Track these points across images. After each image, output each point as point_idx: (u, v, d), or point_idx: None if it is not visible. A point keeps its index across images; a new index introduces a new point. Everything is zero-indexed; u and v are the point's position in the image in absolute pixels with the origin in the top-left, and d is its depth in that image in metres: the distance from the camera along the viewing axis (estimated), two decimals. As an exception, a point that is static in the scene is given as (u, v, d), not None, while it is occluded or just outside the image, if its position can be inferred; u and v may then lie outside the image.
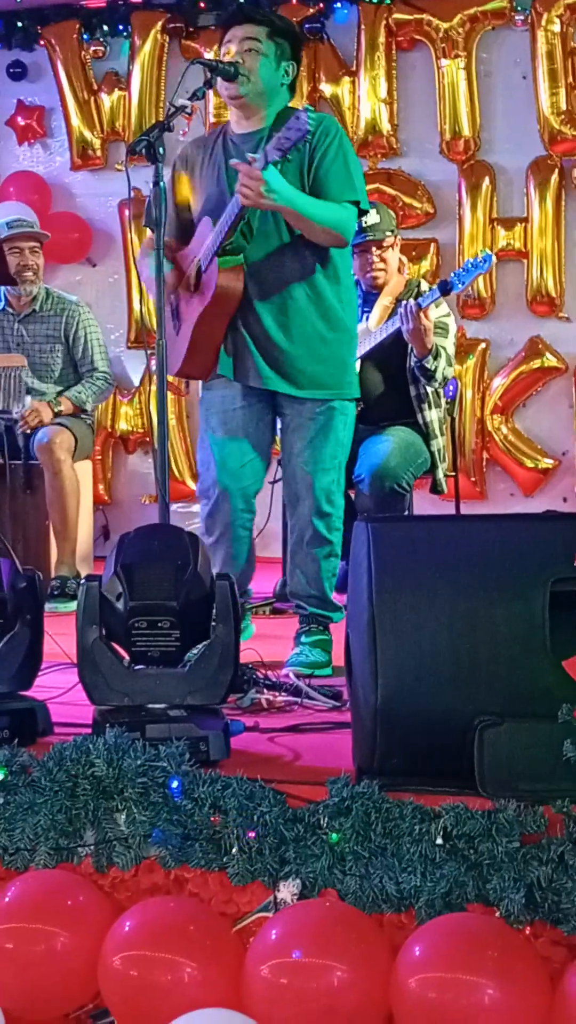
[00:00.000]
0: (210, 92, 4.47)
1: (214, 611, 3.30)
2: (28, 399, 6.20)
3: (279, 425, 4.58)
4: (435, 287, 5.59)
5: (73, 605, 5.78)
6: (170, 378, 4.65)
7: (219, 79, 4.32)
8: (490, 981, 2.48)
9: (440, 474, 5.71)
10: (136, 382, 7.93)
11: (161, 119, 4.45)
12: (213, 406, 4.54)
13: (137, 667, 3.31)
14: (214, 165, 4.47)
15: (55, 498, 6.09)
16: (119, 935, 2.73)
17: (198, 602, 3.27)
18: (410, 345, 5.53)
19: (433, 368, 5.52)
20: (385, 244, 5.75)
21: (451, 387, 5.91)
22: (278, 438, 4.64)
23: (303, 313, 4.39)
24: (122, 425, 7.98)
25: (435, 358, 5.51)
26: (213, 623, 3.30)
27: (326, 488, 4.45)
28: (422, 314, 5.42)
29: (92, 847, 2.90)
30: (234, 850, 2.79)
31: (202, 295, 4.38)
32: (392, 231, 5.77)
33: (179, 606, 3.22)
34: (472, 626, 2.88)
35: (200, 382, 4.66)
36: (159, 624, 3.23)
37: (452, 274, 5.68)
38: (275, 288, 4.37)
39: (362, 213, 4.43)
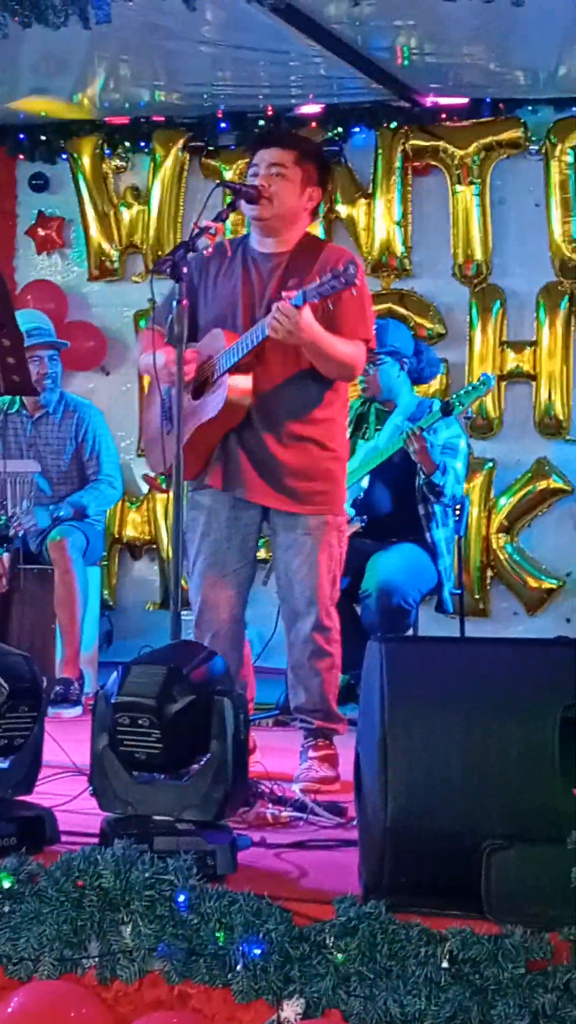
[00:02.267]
0: (231, 213, 4.53)
1: (213, 727, 3.30)
2: (23, 504, 6.22)
3: (271, 538, 4.60)
4: (437, 408, 5.68)
5: (77, 710, 5.87)
6: (152, 474, 4.69)
7: (243, 201, 4.42)
8: None
9: (446, 593, 5.74)
10: (145, 489, 7.98)
11: (180, 235, 4.53)
12: (199, 515, 4.58)
13: (135, 774, 3.32)
14: (232, 277, 4.54)
15: (65, 596, 6.10)
16: (121, 1050, 2.72)
17: (186, 708, 3.26)
18: (418, 464, 5.59)
19: (441, 484, 5.58)
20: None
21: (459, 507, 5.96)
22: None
23: (300, 439, 4.46)
24: (129, 531, 8.02)
25: (443, 475, 5.57)
26: (212, 739, 3.30)
27: (325, 604, 4.47)
28: (423, 433, 5.52)
29: (96, 959, 2.89)
30: (239, 967, 2.78)
31: (205, 405, 4.44)
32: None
33: (157, 704, 3.23)
34: (483, 748, 2.89)
35: (190, 487, 4.68)
36: (139, 722, 3.24)
37: (453, 395, 5.77)
38: (277, 413, 4.44)
39: (370, 351, 4.56)
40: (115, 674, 3.35)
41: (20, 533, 6.17)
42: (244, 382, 4.39)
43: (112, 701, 3.28)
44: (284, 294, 4.22)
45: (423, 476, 5.62)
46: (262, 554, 4.80)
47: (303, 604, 4.46)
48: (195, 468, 4.51)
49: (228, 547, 4.53)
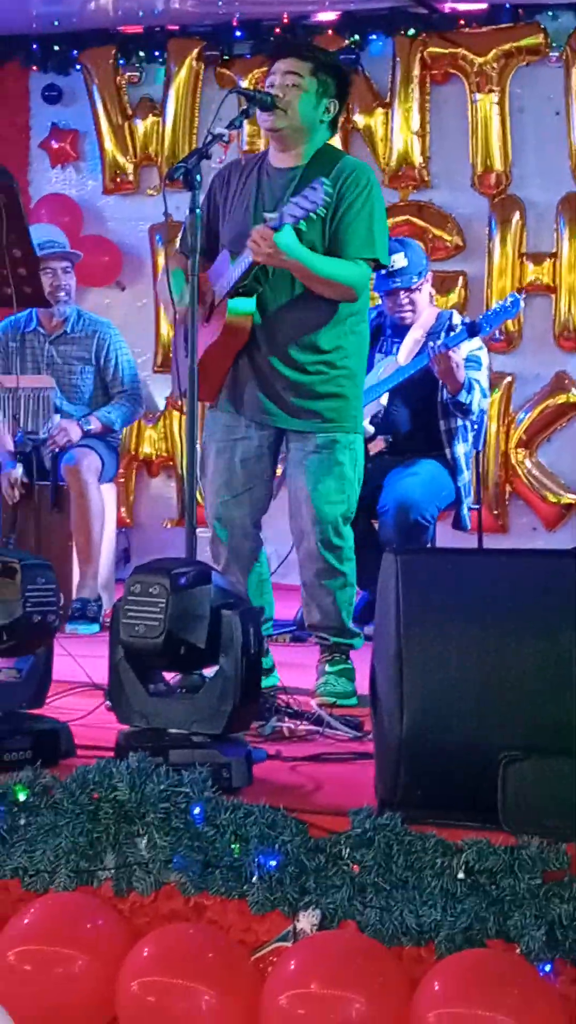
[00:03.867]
0: (245, 121, 4.46)
1: (221, 640, 3.29)
2: (56, 418, 6.22)
3: (286, 456, 4.57)
4: (463, 328, 5.61)
5: (94, 627, 5.88)
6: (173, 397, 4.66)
7: (258, 110, 4.34)
8: (509, 1018, 2.46)
9: (464, 510, 5.71)
10: (161, 406, 7.95)
11: (196, 146, 4.47)
12: (214, 434, 4.55)
13: (150, 687, 3.33)
14: (245, 194, 4.48)
15: (80, 520, 6.10)
16: (137, 960, 2.73)
17: (196, 594, 3.27)
18: (440, 380, 5.54)
19: (468, 402, 5.53)
20: (413, 287, 5.74)
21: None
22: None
23: (310, 358, 4.40)
24: (146, 448, 8.00)
25: (468, 392, 5.52)
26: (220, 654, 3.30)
27: (332, 521, 4.42)
28: (450, 353, 5.44)
29: (112, 871, 2.90)
30: (254, 878, 2.78)
31: (211, 328, 4.41)
32: (421, 273, 5.76)
33: (171, 576, 3.24)
34: (499, 660, 2.87)
35: (206, 405, 4.66)
36: (150, 590, 3.23)
37: (481, 316, 5.71)
38: (284, 333, 4.39)
39: (381, 266, 4.47)
40: None
41: (56, 451, 6.15)
42: (243, 305, 4.34)
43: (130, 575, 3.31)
44: (266, 216, 4.15)
45: (448, 394, 5.56)
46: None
47: (310, 522, 4.43)
48: (210, 390, 4.48)
49: (242, 468, 4.49)
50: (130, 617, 3.26)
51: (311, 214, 4.08)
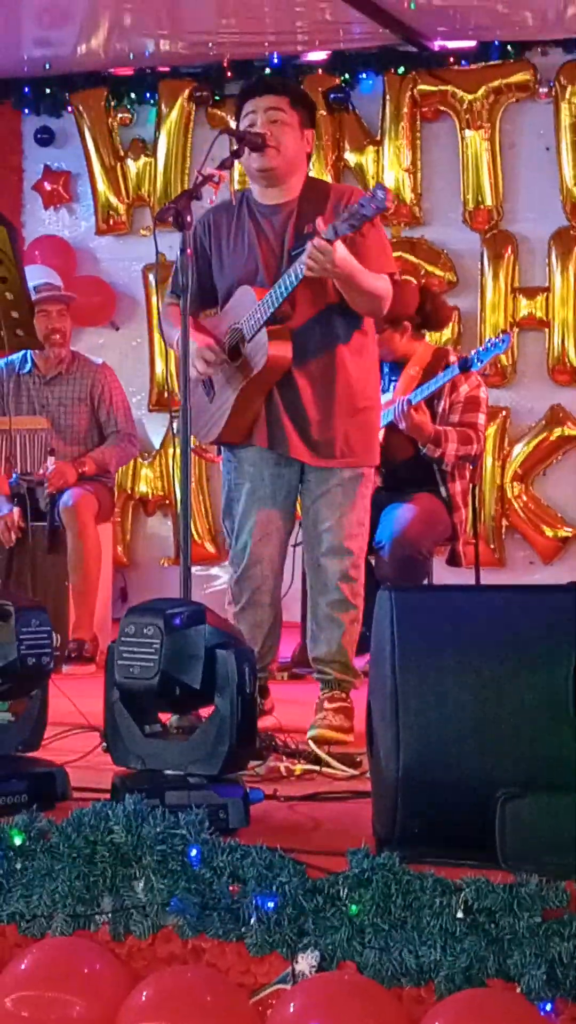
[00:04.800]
0: (235, 162, 4.47)
1: (215, 680, 3.27)
2: (51, 461, 6.22)
3: (300, 489, 4.56)
4: (453, 366, 5.64)
5: (90, 668, 5.86)
6: (196, 442, 4.67)
7: (247, 151, 4.35)
8: (510, 1058, 2.45)
9: (459, 546, 5.71)
10: (157, 445, 7.96)
11: (187, 186, 4.48)
12: (243, 474, 4.54)
13: (146, 729, 3.31)
14: (243, 235, 4.48)
15: (77, 561, 6.10)
16: (135, 1004, 2.70)
17: (191, 635, 3.25)
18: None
19: (438, 456, 5.56)
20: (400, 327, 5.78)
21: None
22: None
23: (332, 380, 4.41)
24: (142, 487, 8.00)
25: (437, 446, 5.55)
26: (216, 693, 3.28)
27: (353, 555, 4.44)
28: (412, 411, 5.48)
29: (109, 915, 2.87)
30: (252, 920, 2.76)
31: (246, 364, 4.39)
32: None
33: (165, 617, 3.22)
34: (496, 696, 2.86)
35: (225, 448, 4.65)
36: (144, 630, 3.22)
37: (472, 352, 5.73)
38: (309, 354, 4.39)
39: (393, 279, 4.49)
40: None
41: (53, 493, 6.15)
42: (282, 332, 4.34)
43: (124, 618, 3.30)
44: (318, 228, 4.16)
45: (421, 448, 5.59)
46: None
47: (331, 555, 4.44)
48: (242, 431, 4.47)
49: (274, 505, 4.49)
50: (125, 658, 3.25)
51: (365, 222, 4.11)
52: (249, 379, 4.37)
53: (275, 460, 4.48)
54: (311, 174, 4.59)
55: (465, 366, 5.62)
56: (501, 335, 5.88)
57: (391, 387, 5.81)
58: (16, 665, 3.37)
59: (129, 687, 3.26)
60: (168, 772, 3.26)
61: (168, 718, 3.49)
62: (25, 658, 3.38)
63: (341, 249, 4.16)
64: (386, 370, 5.86)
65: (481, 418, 5.74)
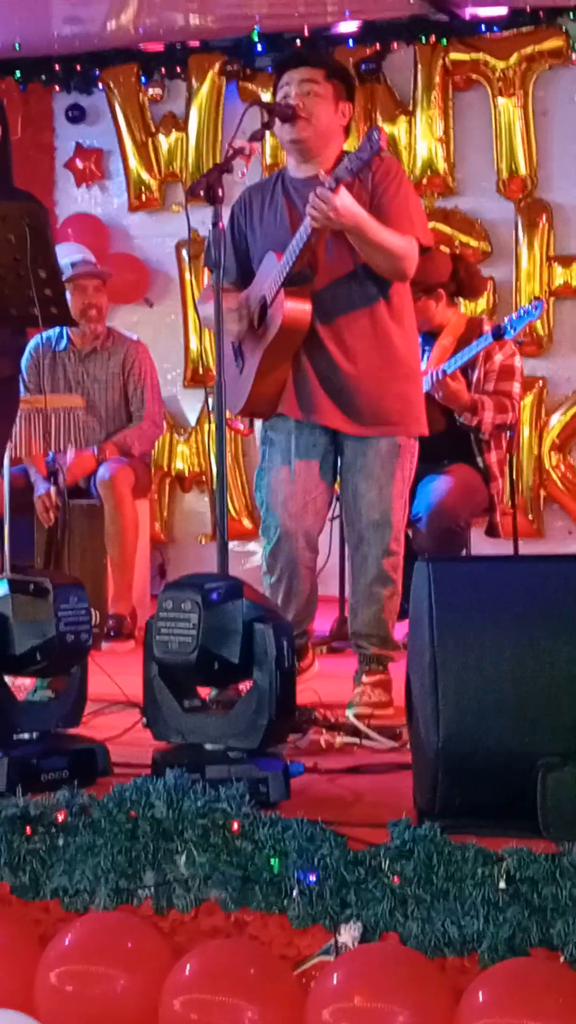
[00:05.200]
0: (267, 134, 4.45)
1: (254, 654, 3.29)
2: (70, 453, 6.21)
3: (340, 462, 4.53)
4: (486, 334, 5.61)
5: (130, 644, 5.88)
6: (231, 415, 4.65)
7: (278, 122, 4.33)
8: (554, 1027, 2.44)
9: (497, 517, 5.68)
10: (193, 421, 7.96)
11: (219, 161, 4.46)
12: (275, 444, 4.52)
13: (184, 704, 3.33)
14: (276, 208, 4.47)
15: (115, 534, 6.10)
16: (179, 978, 2.71)
17: (228, 609, 3.28)
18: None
19: (476, 424, 5.53)
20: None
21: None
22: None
23: (367, 345, 4.37)
24: (178, 464, 8.00)
25: (474, 414, 5.52)
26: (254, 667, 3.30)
27: (395, 528, 4.42)
28: (447, 380, 5.45)
29: (152, 889, 2.88)
30: (295, 893, 2.76)
31: (267, 329, 4.36)
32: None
33: (203, 591, 3.25)
34: (535, 666, 2.86)
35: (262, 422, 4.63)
36: (182, 605, 3.24)
37: (505, 320, 5.70)
38: (339, 317, 4.35)
39: (424, 249, 4.43)
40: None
41: (76, 482, 6.17)
42: (300, 292, 4.29)
43: (161, 591, 3.33)
44: (321, 178, 4.13)
45: (457, 417, 5.57)
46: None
47: (371, 529, 4.41)
48: (270, 401, 4.44)
49: (307, 476, 4.46)
50: (163, 634, 3.26)
51: (366, 165, 4.05)
52: (269, 342, 4.34)
53: (308, 429, 4.45)
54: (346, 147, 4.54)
55: (498, 334, 5.59)
56: (534, 301, 5.84)
57: (425, 357, 5.78)
58: (55, 642, 3.38)
59: (168, 662, 3.27)
60: (208, 746, 3.27)
61: (207, 692, 3.50)
62: (64, 635, 3.40)
63: (344, 197, 4.10)
64: (420, 341, 5.83)
65: (516, 387, 5.71)
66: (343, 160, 4.11)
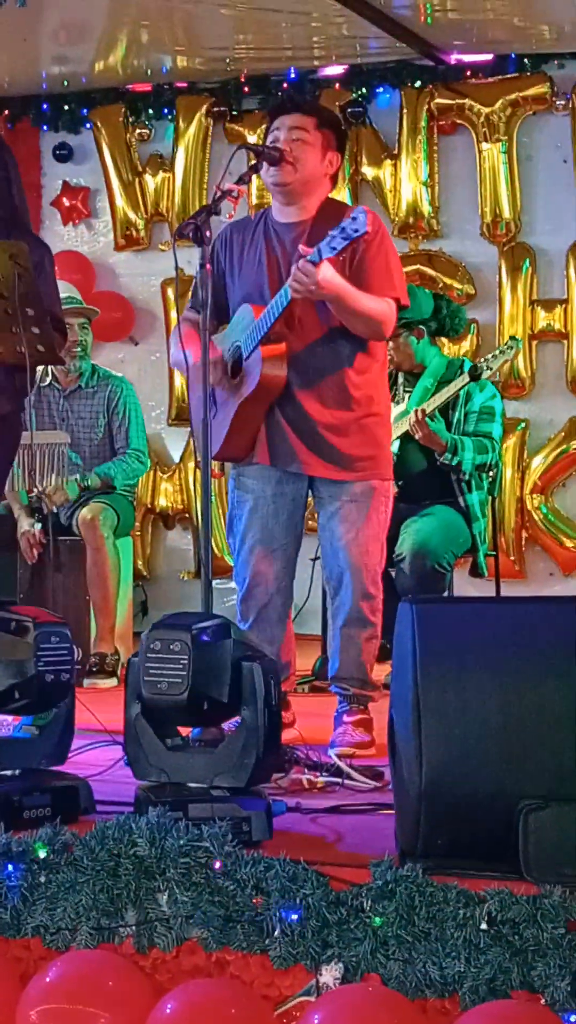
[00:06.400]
0: (254, 176, 4.49)
1: (241, 692, 3.29)
2: (52, 478, 6.23)
3: (316, 507, 4.55)
4: (463, 374, 5.66)
5: (112, 681, 5.88)
6: (199, 458, 4.65)
7: (265, 165, 4.37)
8: (535, 1070, 2.44)
9: (481, 557, 5.71)
10: (177, 459, 7.98)
11: (205, 202, 4.49)
12: (246, 491, 4.54)
13: (168, 742, 3.32)
14: (255, 252, 4.50)
15: (96, 575, 6.11)
16: (160, 1017, 2.71)
17: (217, 649, 3.27)
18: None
19: (455, 463, 5.57)
20: (413, 329, 5.78)
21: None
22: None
23: (338, 400, 4.40)
24: (162, 501, 8.02)
25: (454, 454, 5.56)
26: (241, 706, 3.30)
27: (371, 571, 4.44)
28: (426, 421, 5.50)
29: (133, 927, 2.88)
30: (276, 932, 2.76)
31: (243, 382, 4.40)
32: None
33: (192, 632, 3.24)
34: (518, 708, 2.86)
35: (232, 467, 4.66)
36: (171, 646, 3.23)
37: (480, 360, 5.75)
38: (313, 376, 4.39)
39: (402, 308, 4.47)
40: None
41: (54, 510, 6.18)
42: (277, 351, 4.34)
43: (148, 632, 3.30)
44: (302, 250, 4.18)
45: (438, 457, 5.60)
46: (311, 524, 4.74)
47: (349, 572, 4.43)
48: (244, 447, 4.47)
49: (276, 522, 4.48)
50: (151, 675, 3.25)
51: (349, 244, 4.08)
52: (245, 397, 4.38)
53: (278, 477, 4.47)
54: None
55: (475, 373, 5.63)
56: (509, 341, 5.89)
57: (405, 398, 5.82)
58: (34, 681, 3.38)
59: (158, 703, 3.26)
60: (191, 785, 3.27)
61: (188, 731, 3.50)
62: (43, 674, 3.40)
63: (326, 271, 4.14)
64: (400, 381, 5.88)
65: (496, 428, 5.75)
66: (328, 235, 4.11)
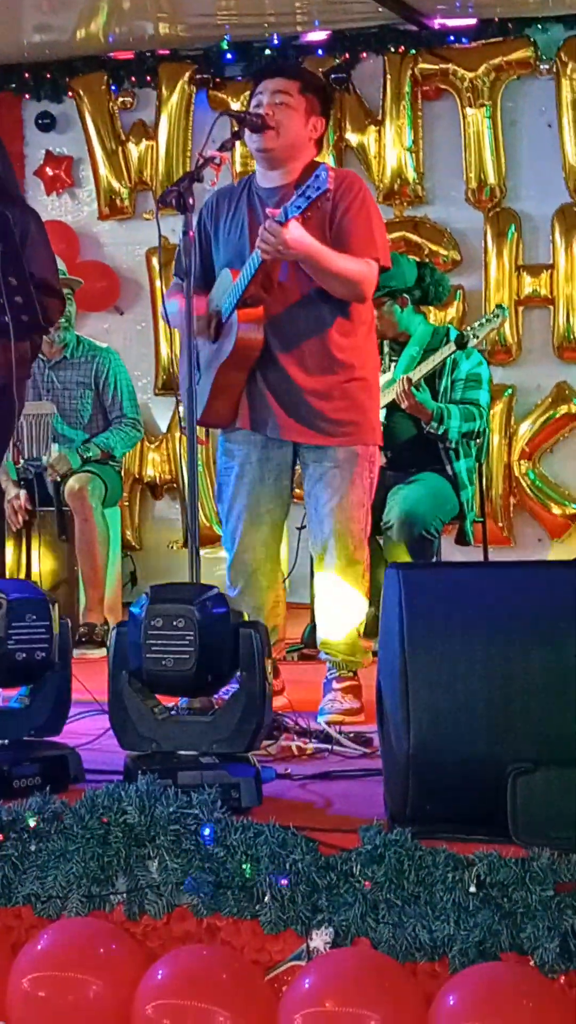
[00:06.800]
0: (238, 143, 4.48)
1: (240, 659, 3.29)
2: (54, 448, 6.24)
3: (302, 473, 4.55)
4: (449, 343, 5.65)
5: (101, 651, 5.88)
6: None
7: (247, 131, 4.35)
8: (525, 1031, 2.46)
9: (468, 525, 5.72)
10: (164, 428, 7.97)
11: (189, 169, 4.48)
12: (232, 457, 4.54)
13: (156, 710, 3.33)
14: (238, 217, 4.48)
15: (85, 545, 6.11)
16: (151, 983, 2.72)
17: (222, 620, 3.28)
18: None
19: (441, 432, 5.57)
20: (397, 296, 5.77)
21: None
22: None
23: (321, 364, 4.39)
24: (149, 471, 8.01)
25: (440, 423, 5.55)
26: (240, 672, 3.30)
27: (356, 537, 4.43)
28: (412, 389, 5.49)
29: (124, 895, 2.89)
30: (266, 898, 2.77)
31: (221, 347, 4.39)
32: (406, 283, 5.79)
33: (197, 606, 3.23)
34: (505, 673, 2.87)
35: (219, 430, 4.65)
36: (174, 623, 3.22)
37: (467, 328, 5.75)
38: (294, 340, 4.37)
39: (384, 270, 4.44)
40: (142, 597, 3.33)
41: (57, 479, 6.17)
42: (253, 315, 4.32)
43: (144, 606, 3.27)
44: (269, 211, 4.16)
45: (424, 426, 5.60)
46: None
47: (333, 538, 4.42)
48: (226, 413, 4.46)
49: (262, 487, 4.48)
50: (154, 651, 3.23)
51: (316, 202, 4.06)
52: (223, 361, 4.36)
53: (263, 442, 4.46)
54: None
55: (460, 342, 5.63)
56: (496, 309, 5.89)
57: (391, 367, 5.81)
58: (3, 660, 3.37)
59: (163, 680, 3.26)
60: (181, 752, 3.28)
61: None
62: (13, 653, 3.38)
63: (294, 230, 4.11)
64: (386, 350, 5.87)
65: (483, 395, 5.75)
66: (294, 194, 4.10)
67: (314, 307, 4.36)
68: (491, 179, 7.32)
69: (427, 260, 7.06)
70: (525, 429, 7.32)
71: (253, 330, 4.31)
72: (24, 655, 3.39)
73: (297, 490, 4.61)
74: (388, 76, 7.42)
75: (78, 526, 6.12)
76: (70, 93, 8.02)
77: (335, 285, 4.30)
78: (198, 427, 4.66)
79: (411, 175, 7.46)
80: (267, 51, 7.53)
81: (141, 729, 3.32)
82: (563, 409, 7.27)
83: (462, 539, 5.79)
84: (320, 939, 2.74)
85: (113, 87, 7.95)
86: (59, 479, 6.19)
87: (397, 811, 2.97)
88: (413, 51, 7.37)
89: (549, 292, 7.26)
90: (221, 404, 4.42)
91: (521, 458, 7.32)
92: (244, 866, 2.81)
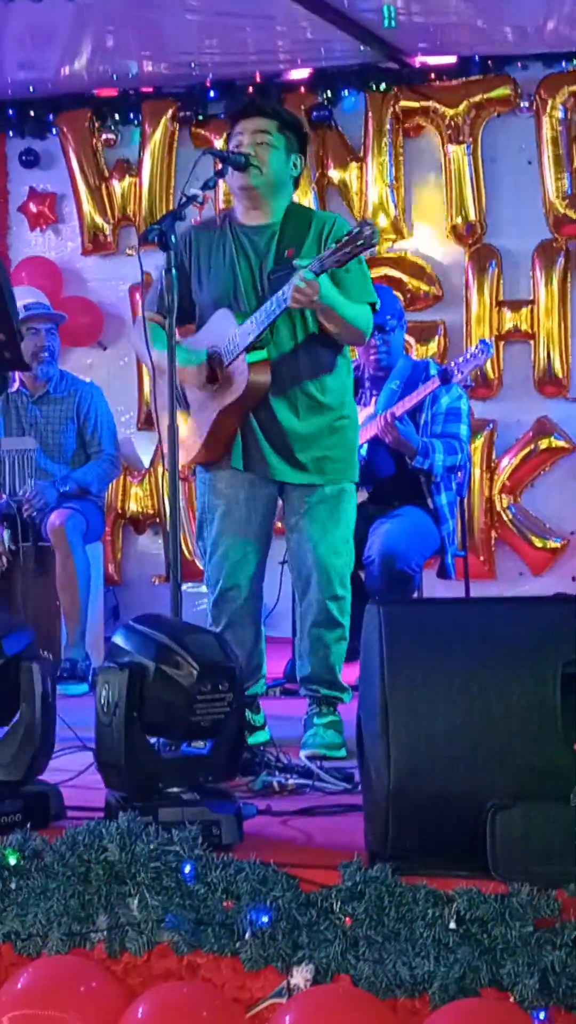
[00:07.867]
0: (220, 181, 4.51)
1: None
2: (30, 482, 6.23)
3: (284, 507, 4.57)
4: (432, 377, 5.67)
5: (83, 687, 5.87)
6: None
7: (230, 169, 4.39)
8: (505, 1067, 2.46)
9: (449, 558, 5.73)
10: (146, 464, 7.98)
11: (172, 206, 4.49)
12: (217, 495, 4.55)
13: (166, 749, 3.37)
14: (224, 257, 4.50)
15: (66, 581, 6.11)
16: (132, 1021, 2.72)
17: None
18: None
19: (426, 467, 5.59)
20: (387, 328, 5.78)
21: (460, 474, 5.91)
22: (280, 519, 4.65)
23: (313, 407, 4.44)
24: (132, 506, 8.01)
25: (425, 457, 5.58)
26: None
27: (340, 572, 4.46)
28: (396, 424, 5.51)
29: (104, 932, 2.89)
30: (247, 935, 2.77)
31: (225, 389, 4.41)
32: (394, 315, 5.80)
33: (235, 677, 3.26)
34: (484, 708, 2.89)
35: (203, 469, 4.66)
36: (219, 686, 3.24)
37: (451, 362, 5.76)
38: (288, 383, 4.42)
39: (373, 310, 4.51)
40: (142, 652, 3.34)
41: (33, 515, 6.17)
42: (260, 357, 4.36)
43: (196, 672, 3.27)
44: (297, 264, 4.19)
45: (409, 461, 5.62)
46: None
47: (317, 573, 4.45)
48: (219, 453, 4.49)
49: (248, 526, 4.50)
50: (198, 714, 3.24)
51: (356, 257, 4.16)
52: (228, 403, 4.39)
53: (250, 481, 4.49)
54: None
55: (445, 377, 5.64)
56: (481, 345, 5.92)
57: (372, 401, 5.83)
58: None
59: (202, 735, 3.34)
60: (162, 789, 3.28)
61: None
62: None
63: (326, 283, 4.19)
64: (367, 385, 5.89)
65: (464, 429, 5.77)
66: (331, 248, 4.14)
67: (308, 351, 4.43)
68: (472, 215, 7.36)
69: (408, 295, 7.12)
70: (506, 463, 7.34)
71: (263, 374, 4.36)
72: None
73: (278, 524, 4.63)
74: (370, 113, 7.47)
75: (59, 561, 6.12)
76: (54, 130, 8.06)
77: (343, 332, 4.39)
78: (187, 465, 4.69)
79: (392, 211, 7.50)
80: (250, 89, 7.57)
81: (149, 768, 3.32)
82: (544, 443, 7.30)
83: (443, 573, 5.80)
84: (300, 976, 2.74)
85: (96, 124, 7.99)
86: (34, 514, 6.19)
87: (377, 847, 2.98)
88: (394, 88, 7.42)
89: (530, 327, 7.30)
90: (217, 445, 4.46)
91: (502, 492, 7.35)
92: (224, 903, 2.81)
